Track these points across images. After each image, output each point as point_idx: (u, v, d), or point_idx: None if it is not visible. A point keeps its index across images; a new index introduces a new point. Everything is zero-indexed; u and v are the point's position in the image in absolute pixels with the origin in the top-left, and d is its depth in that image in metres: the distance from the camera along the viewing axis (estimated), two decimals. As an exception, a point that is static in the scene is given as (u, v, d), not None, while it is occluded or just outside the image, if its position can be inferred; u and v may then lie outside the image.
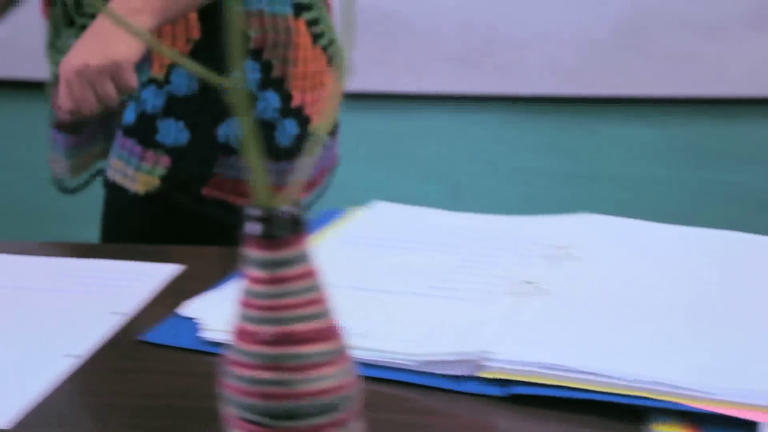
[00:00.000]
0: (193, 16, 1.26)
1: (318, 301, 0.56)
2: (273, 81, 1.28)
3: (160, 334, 0.90)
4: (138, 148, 1.28)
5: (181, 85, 1.26)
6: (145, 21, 1.15)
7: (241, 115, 0.54)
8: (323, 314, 0.56)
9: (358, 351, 0.79)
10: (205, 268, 1.05)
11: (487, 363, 0.79)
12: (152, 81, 1.27)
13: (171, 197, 1.29)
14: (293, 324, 0.55)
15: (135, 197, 1.29)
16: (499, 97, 2.39)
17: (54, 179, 1.42)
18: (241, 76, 0.53)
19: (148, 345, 0.89)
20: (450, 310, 0.90)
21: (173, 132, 1.26)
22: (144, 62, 1.27)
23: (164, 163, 1.28)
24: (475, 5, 2.32)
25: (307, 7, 1.31)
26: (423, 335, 0.85)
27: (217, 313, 0.91)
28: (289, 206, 0.55)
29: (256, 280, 0.55)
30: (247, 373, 0.55)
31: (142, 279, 1.02)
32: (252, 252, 0.56)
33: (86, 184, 1.40)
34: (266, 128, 1.28)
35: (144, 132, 1.27)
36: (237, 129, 1.27)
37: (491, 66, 2.35)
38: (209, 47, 1.26)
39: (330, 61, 1.35)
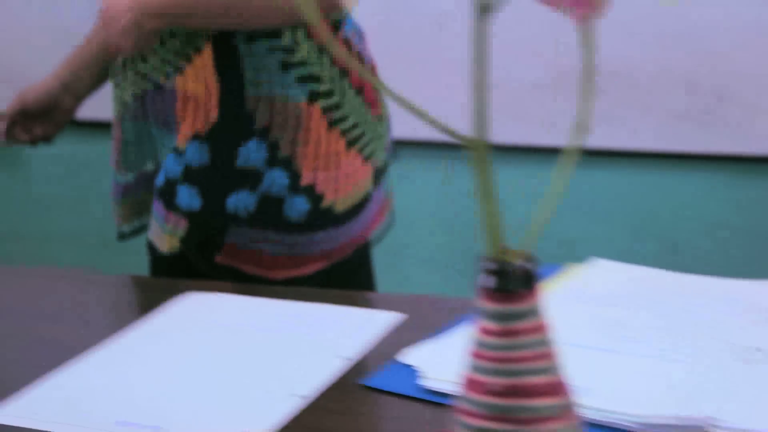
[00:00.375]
0: (214, 101, 1.31)
1: (548, 356, 0.56)
2: (280, 159, 1.31)
3: (381, 379, 0.92)
4: (163, 210, 1.36)
5: (194, 157, 1.33)
6: (144, 21, 1.28)
7: (478, 170, 0.56)
8: (553, 369, 0.56)
9: (581, 408, 0.78)
10: (425, 316, 1.07)
11: (714, 429, 0.77)
12: (174, 149, 1.35)
13: (189, 260, 1.35)
14: (524, 377, 0.55)
15: (163, 257, 1.37)
16: (723, 156, 2.32)
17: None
18: (484, 135, 0.55)
19: (370, 390, 0.91)
20: (675, 372, 0.89)
21: (187, 197, 1.33)
22: (171, 133, 1.36)
23: (183, 225, 1.34)
24: (702, 62, 2.27)
25: (326, 95, 1.33)
26: (647, 397, 0.83)
27: (436, 361, 0.92)
28: (522, 261, 0.56)
29: (488, 332, 0.56)
30: (476, 423, 0.56)
31: (366, 325, 1.04)
32: (484, 304, 0.57)
33: (134, 233, 1.48)
34: (274, 203, 1.32)
35: (167, 195, 1.35)
36: (246, 201, 1.31)
37: (716, 124, 2.29)
38: (225, 129, 1.32)
39: (352, 142, 1.35)
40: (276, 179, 1.31)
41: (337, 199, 1.34)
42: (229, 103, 1.31)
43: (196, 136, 1.33)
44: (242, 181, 1.31)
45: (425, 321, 1.05)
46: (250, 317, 1.09)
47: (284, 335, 1.03)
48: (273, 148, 1.31)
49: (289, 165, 1.31)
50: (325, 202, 1.33)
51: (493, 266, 0.56)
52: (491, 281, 0.56)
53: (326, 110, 1.32)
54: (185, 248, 1.34)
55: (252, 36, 1.30)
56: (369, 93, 1.39)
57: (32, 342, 1.07)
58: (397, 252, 2.58)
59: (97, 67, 1.51)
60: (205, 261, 1.34)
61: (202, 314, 1.11)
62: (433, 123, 0.56)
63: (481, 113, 0.55)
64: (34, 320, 1.14)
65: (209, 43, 1.31)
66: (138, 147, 1.42)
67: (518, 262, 0.56)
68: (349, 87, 1.36)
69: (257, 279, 1.33)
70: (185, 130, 1.33)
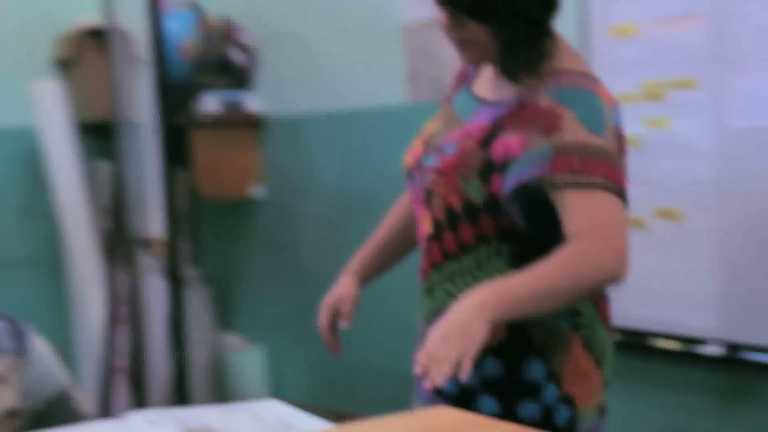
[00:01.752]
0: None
1: None
2: (552, 375, 1.68)
3: None
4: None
5: (491, 371, 1.68)
6: (495, 313, 1.54)
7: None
8: None
9: None
10: None
11: None
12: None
13: None
14: None
15: None
16: None
17: None
18: None
19: None
20: None
21: (489, 406, 1.68)
22: None
23: None
24: None
25: (584, 326, 1.70)
26: None
27: None
28: None
29: None
30: None
31: None
32: None
33: None
34: (550, 412, 1.68)
35: (466, 402, 1.68)
36: (532, 411, 1.66)
37: None
38: (511, 346, 1.68)
39: (599, 364, 1.72)
40: (551, 391, 1.69)
41: (587, 410, 1.72)
42: (514, 326, 1.67)
43: (490, 350, 1.65)
44: (528, 393, 1.68)
45: None
46: None
47: None
48: (548, 365, 1.68)
49: (558, 380, 1.69)
50: (578, 410, 1.70)
51: None
52: None
53: (584, 338, 1.70)
54: None
55: None
56: (609, 321, 1.76)
57: None
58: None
59: (380, 262, 1.94)
60: None
61: None
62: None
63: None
64: None
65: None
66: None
67: None
68: (599, 319, 1.73)
69: None
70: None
